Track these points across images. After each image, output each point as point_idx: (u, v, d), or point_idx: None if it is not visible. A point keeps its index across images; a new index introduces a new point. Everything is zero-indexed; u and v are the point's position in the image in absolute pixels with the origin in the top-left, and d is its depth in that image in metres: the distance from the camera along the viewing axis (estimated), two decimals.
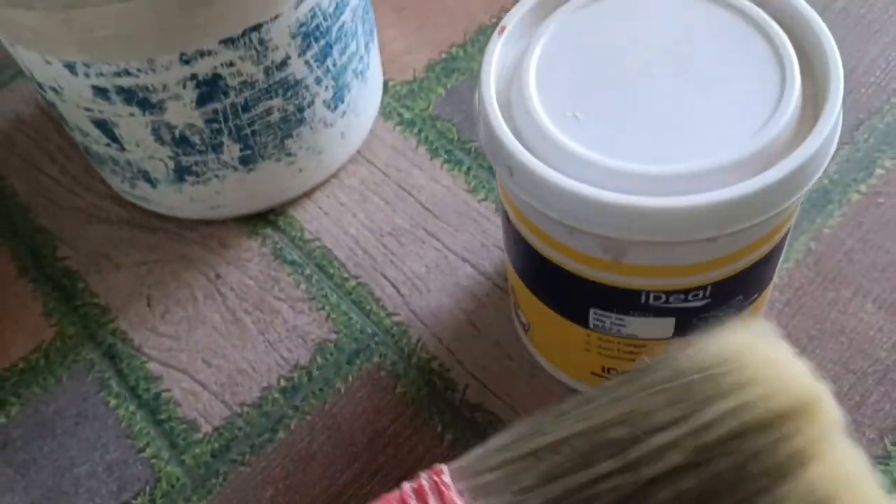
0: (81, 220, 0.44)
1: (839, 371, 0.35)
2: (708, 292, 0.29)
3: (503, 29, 0.30)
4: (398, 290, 0.40)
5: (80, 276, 0.42)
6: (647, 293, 0.28)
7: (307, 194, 0.44)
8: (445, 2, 0.51)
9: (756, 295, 0.31)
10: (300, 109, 0.39)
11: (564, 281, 0.30)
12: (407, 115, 0.46)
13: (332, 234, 0.42)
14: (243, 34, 0.34)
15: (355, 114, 0.43)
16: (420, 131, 0.45)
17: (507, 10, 0.51)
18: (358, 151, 0.45)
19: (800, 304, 0.37)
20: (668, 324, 0.30)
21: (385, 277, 0.40)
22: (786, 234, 0.29)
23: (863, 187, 0.40)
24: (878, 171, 0.40)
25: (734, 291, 0.29)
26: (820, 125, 0.25)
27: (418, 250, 0.41)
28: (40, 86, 0.37)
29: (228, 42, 0.34)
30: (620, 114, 0.27)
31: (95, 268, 0.42)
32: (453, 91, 0.47)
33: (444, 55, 0.48)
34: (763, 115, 0.26)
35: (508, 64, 0.30)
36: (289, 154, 0.40)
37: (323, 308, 0.40)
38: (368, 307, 0.39)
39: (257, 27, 0.34)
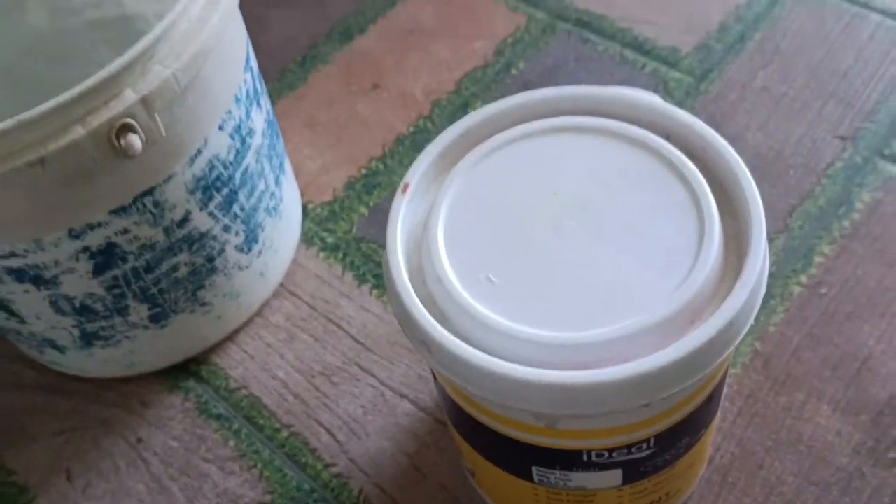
0: None
1: (801, 484, 0.33)
2: (651, 443, 0.27)
3: (407, 186, 0.28)
4: (334, 437, 0.37)
5: None
6: (588, 452, 0.27)
7: (229, 337, 0.41)
8: (359, 113, 0.49)
9: (703, 431, 0.29)
10: (210, 259, 0.37)
11: (501, 442, 0.28)
12: (330, 240, 0.44)
13: (259, 380, 0.40)
14: (134, 201, 0.32)
15: (273, 250, 0.40)
16: (345, 256, 0.43)
17: (423, 117, 0.50)
18: (281, 284, 0.43)
19: (752, 413, 0.35)
20: (616, 475, 0.28)
21: (320, 424, 0.38)
22: (724, 374, 0.28)
23: (803, 278, 0.39)
24: (817, 258, 0.39)
25: (680, 436, 0.28)
26: (745, 276, 0.24)
27: (353, 389, 0.39)
28: None
29: (119, 211, 0.32)
30: (535, 276, 0.25)
31: (9, 441, 0.39)
32: (376, 209, 0.45)
33: (363, 171, 0.47)
34: (684, 265, 0.25)
35: (416, 221, 0.28)
36: (203, 304, 0.38)
37: (255, 466, 0.37)
38: (304, 460, 0.37)
39: (149, 191, 0.32)
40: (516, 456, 0.28)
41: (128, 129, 0.29)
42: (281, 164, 0.41)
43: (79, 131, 0.28)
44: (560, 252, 0.26)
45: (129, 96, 0.29)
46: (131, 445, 0.38)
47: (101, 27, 0.43)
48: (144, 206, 0.32)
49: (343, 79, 0.51)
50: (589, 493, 0.29)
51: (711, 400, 0.28)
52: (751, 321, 0.24)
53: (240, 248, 0.38)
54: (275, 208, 0.40)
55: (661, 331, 0.24)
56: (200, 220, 0.35)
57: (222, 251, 0.37)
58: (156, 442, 0.38)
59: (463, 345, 0.24)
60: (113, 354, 0.38)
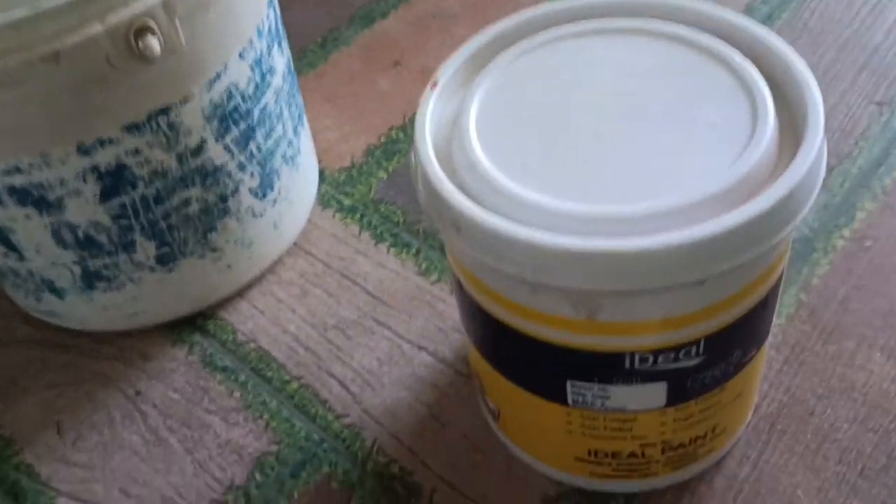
0: None
1: (857, 431, 0.30)
2: (701, 348, 0.24)
3: (436, 83, 0.26)
4: (347, 389, 0.35)
5: None
6: (632, 355, 0.24)
7: (239, 293, 0.39)
8: (379, 87, 0.48)
9: (754, 350, 0.27)
10: (223, 199, 0.35)
11: (533, 351, 0.25)
12: (347, 202, 0.42)
13: (269, 334, 0.37)
14: (149, 119, 0.31)
15: (288, 202, 0.39)
16: (362, 217, 0.42)
17: None
18: (295, 243, 0.41)
19: (800, 362, 0.33)
20: (660, 390, 0.25)
21: (332, 376, 0.35)
22: (780, 277, 0.26)
23: (846, 232, 0.37)
24: (860, 214, 0.37)
25: (731, 345, 0.25)
26: (806, 146, 0.22)
27: (368, 342, 0.36)
28: None
29: (132, 128, 0.31)
30: (575, 158, 0.24)
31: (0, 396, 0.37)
32: (396, 174, 0.43)
33: (383, 139, 0.45)
34: (737, 145, 0.23)
35: (445, 120, 0.26)
36: (214, 249, 0.36)
37: (261, 417, 0.34)
38: (314, 411, 0.34)
39: (164, 110, 0.31)
40: (549, 368, 0.26)
41: (147, 30, 0.28)
42: (300, 116, 0.39)
43: (96, 27, 0.27)
44: (602, 136, 0.24)
45: None
46: (129, 398, 0.36)
47: None
48: (159, 125, 0.31)
49: (364, 58, 0.50)
50: (629, 417, 0.26)
51: (766, 306, 0.25)
52: (812, 198, 0.22)
53: (254, 193, 0.36)
54: (292, 158, 0.38)
55: (715, 205, 0.22)
56: (215, 152, 0.33)
57: (236, 191, 0.35)
58: (155, 394, 0.36)
59: (494, 216, 0.22)
60: (115, 300, 0.36)
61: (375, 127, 0.46)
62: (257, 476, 0.33)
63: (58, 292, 0.36)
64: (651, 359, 0.24)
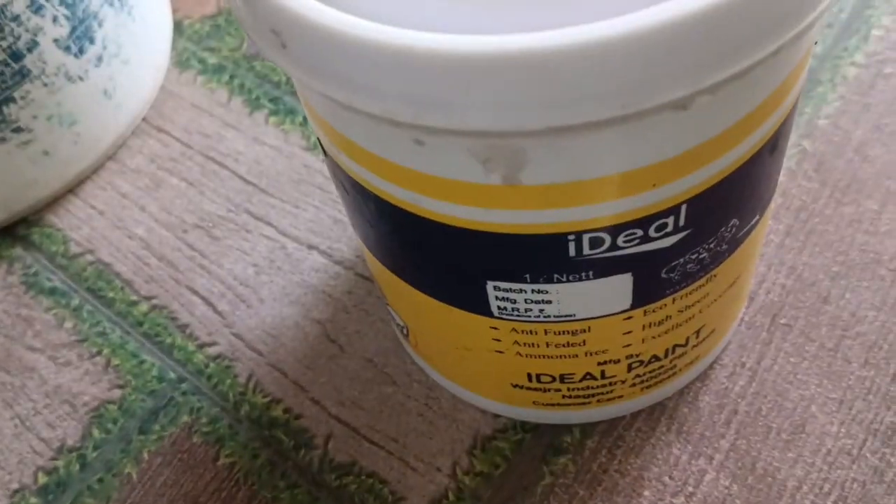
0: None
1: (887, 321, 0.23)
2: (682, 218, 0.16)
3: None
4: (213, 308, 0.26)
5: None
6: (577, 237, 0.16)
7: (70, 189, 0.30)
8: None
9: (757, 217, 0.18)
10: (15, 56, 0.25)
11: (431, 240, 0.17)
12: (212, 61, 0.32)
13: (111, 241, 0.28)
14: None
15: (122, 62, 0.29)
16: (232, 78, 0.32)
17: None
18: (144, 119, 0.31)
19: (807, 232, 0.25)
20: (622, 286, 0.17)
21: (193, 292, 0.27)
22: (797, 101, 0.17)
23: (859, 57, 0.28)
24: (875, 32, 0.29)
25: (725, 212, 0.17)
26: None
27: (241, 244, 0.27)
28: None
29: None
30: None
31: None
32: None
33: None
34: None
35: None
36: (18, 129, 0.26)
37: (99, 353, 0.26)
38: (169, 340, 0.26)
39: None
40: (458, 265, 0.17)
41: None
42: None
43: None
44: None
45: None
46: None
47: None
48: None
49: None
50: (579, 327, 0.18)
51: (775, 150, 0.17)
52: None
53: (65, 47, 0.26)
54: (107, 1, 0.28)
55: None
56: None
57: (34, 44, 0.25)
58: None
59: (340, 13, 0.13)
60: None
61: None
62: (95, 433, 0.24)
63: None
64: (607, 240, 0.16)
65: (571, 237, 0.16)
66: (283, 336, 0.25)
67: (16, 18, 0.25)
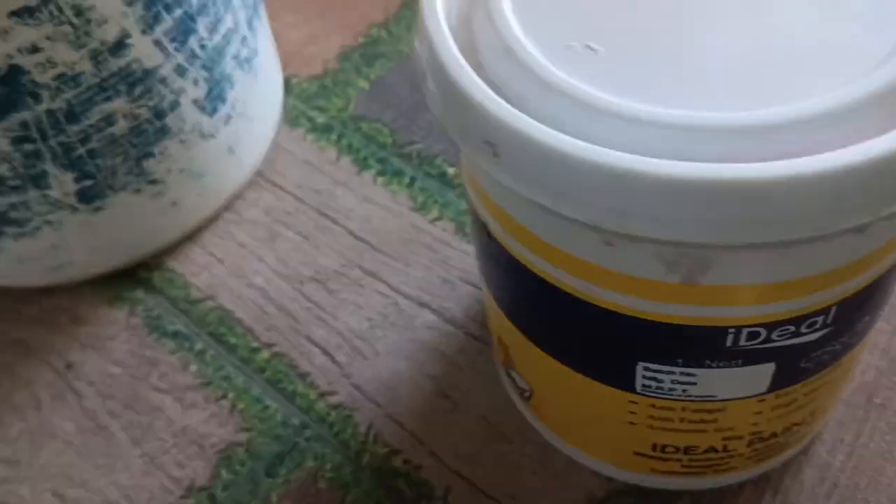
0: None
1: None
2: (831, 317, 0.18)
3: None
4: (332, 359, 0.28)
5: None
6: (737, 331, 0.17)
7: (190, 237, 0.31)
8: None
9: (883, 311, 0.20)
10: (159, 115, 0.27)
11: (592, 324, 0.18)
12: (320, 119, 0.34)
13: (231, 289, 0.30)
14: (45, 2, 0.22)
15: (246, 119, 0.31)
16: (340, 138, 0.34)
17: None
18: (257, 172, 0.33)
19: None
20: (765, 373, 0.19)
21: (312, 342, 0.28)
22: None
23: None
24: None
25: (864, 310, 0.18)
26: None
27: (355, 298, 0.29)
28: None
29: (24, 14, 0.22)
30: (663, 40, 0.16)
31: None
32: (379, 83, 0.35)
33: (361, 39, 0.37)
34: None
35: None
36: (153, 181, 0.28)
37: (224, 396, 0.27)
38: (291, 387, 0.27)
39: None
40: (614, 346, 0.19)
41: None
42: (255, 5, 0.31)
43: None
44: (699, 9, 0.16)
45: None
46: (58, 373, 0.28)
47: None
48: (60, 10, 0.23)
49: None
50: (716, 407, 0.20)
51: None
52: None
53: (201, 106, 0.28)
54: (248, 60, 0.30)
55: (879, 107, 0.14)
56: (143, 50, 0.25)
57: (176, 104, 0.27)
58: (91, 368, 0.28)
59: (555, 134, 0.15)
60: (31, 250, 0.28)
61: (351, 24, 0.38)
62: (224, 473, 0.26)
63: None
64: (763, 334, 0.17)
65: (732, 330, 0.17)
66: (399, 389, 0.27)
67: (163, 80, 0.26)
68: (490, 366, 0.27)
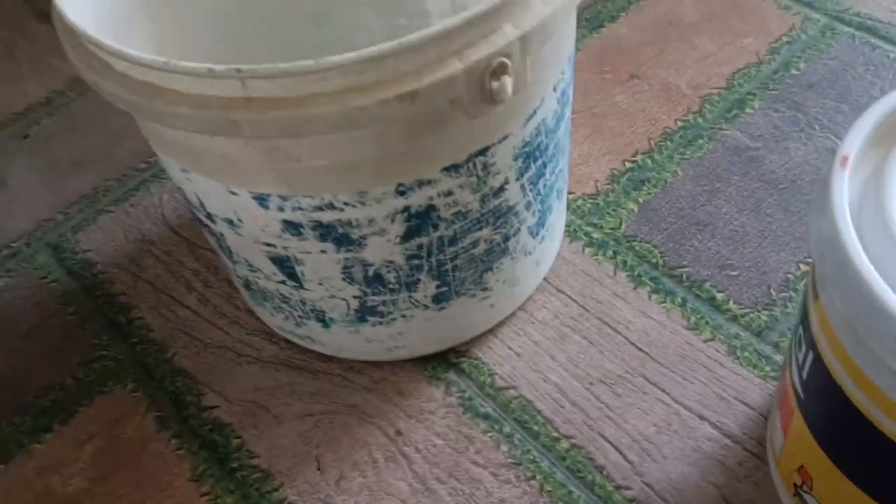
0: (228, 361, 0.38)
1: None
2: None
3: (846, 159, 0.23)
4: (624, 456, 0.33)
5: (234, 431, 0.35)
6: None
7: (490, 330, 0.37)
8: (617, 102, 0.45)
9: None
10: (506, 239, 0.33)
11: None
12: (596, 235, 0.40)
13: (529, 381, 0.35)
14: (468, 159, 0.28)
15: (551, 238, 0.36)
16: (615, 254, 0.39)
17: (693, 112, 0.46)
18: (544, 279, 0.38)
19: None
20: None
21: (604, 438, 0.33)
22: None
23: None
24: None
25: None
26: None
27: (640, 403, 0.34)
28: (210, 216, 0.31)
29: (452, 169, 0.28)
30: None
31: (251, 421, 0.36)
32: (646, 207, 0.41)
33: (628, 164, 0.42)
34: None
35: (851, 198, 0.23)
36: (485, 289, 0.34)
37: (533, 477, 0.33)
38: (590, 477, 0.32)
39: (484, 150, 0.29)
40: None
41: (503, 69, 0.25)
42: (569, 144, 0.37)
43: (455, 65, 0.24)
44: None
45: (509, 32, 0.25)
46: (389, 438, 0.34)
47: None
48: (475, 166, 0.29)
49: (596, 67, 0.47)
50: None
51: None
52: None
53: (531, 231, 0.34)
54: (561, 191, 0.36)
55: None
56: (513, 192, 0.31)
57: (518, 231, 0.33)
58: (417, 437, 0.34)
59: None
60: (380, 334, 0.34)
61: (618, 149, 0.43)
62: None
63: (325, 322, 0.34)
64: None
65: None
66: (686, 492, 0.31)
67: (516, 213, 0.32)
68: (768, 479, 0.31)
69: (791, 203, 0.40)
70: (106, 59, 0.26)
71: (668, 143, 0.43)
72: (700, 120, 0.44)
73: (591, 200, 0.41)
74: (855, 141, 0.24)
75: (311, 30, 0.41)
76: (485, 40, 0.25)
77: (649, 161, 0.42)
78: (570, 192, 0.42)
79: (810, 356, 0.25)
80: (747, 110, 0.44)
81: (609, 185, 0.42)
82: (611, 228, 0.40)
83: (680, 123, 0.44)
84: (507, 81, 0.25)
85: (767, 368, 0.34)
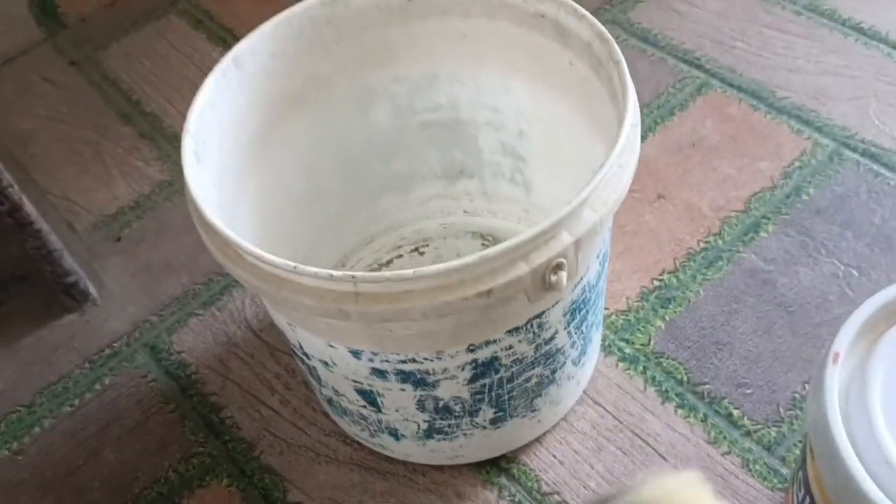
0: (309, 460, 0.44)
1: None
2: None
3: (837, 356, 0.29)
4: None
5: None
6: None
7: (537, 439, 0.43)
8: (644, 222, 0.51)
9: None
10: (553, 372, 0.39)
11: None
12: (628, 351, 0.45)
13: (571, 488, 0.41)
14: (527, 322, 0.34)
15: (589, 360, 0.42)
16: (645, 370, 0.45)
17: (713, 234, 0.52)
18: (583, 391, 0.44)
19: None
20: None
21: None
22: None
23: None
24: None
25: None
26: None
27: None
28: (307, 355, 0.37)
29: (513, 331, 0.34)
30: None
31: None
32: (672, 325, 0.46)
33: (655, 282, 0.48)
34: None
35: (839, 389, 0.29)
36: (534, 410, 0.40)
37: None
38: None
39: (540, 315, 0.34)
40: None
41: (559, 267, 0.31)
42: (605, 284, 0.43)
43: (522, 268, 0.30)
44: None
45: (565, 238, 0.31)
46: None
47: (434, 127, 0.46)
48: (531, 326, 0.35)
49: None
50: None
51: None
52: None
53: (574, 361, 0.40)
54: (599, 324, 0.42)
55: None
56: (561, 338, 0.37)
57: (563, 364, 0.39)
58: None
59: None
60: (443, 447, 0.40)
61: (646, 267, 0.49)
62: None
63: (396, 437, 0.40)
64: None
65: None
66: None
67: (563, 352, 0.38)
68: None
69: (799, 326, 0.45)
70: (237, 250, 0.32)
71: (692, 262, 0.49)
72: (720, 242, 0.49)
73: (623, 317, 0.47)
74: (846, 337, 0.29)
75: (380, 164, 0.47)
76: (546, 246, 0.31)
77: (675, 280, 0.48)
78: (604, 308, 0.47)
79: (807, 500, 0.31)
80: (762, 234, 0.49)
81: (639, 301, 0.47)
82: (641, 344, 0.46)
83: (702, 245, 0.49)
84: (563, 276, 0.31)
85: (775, 481, 0.40)
